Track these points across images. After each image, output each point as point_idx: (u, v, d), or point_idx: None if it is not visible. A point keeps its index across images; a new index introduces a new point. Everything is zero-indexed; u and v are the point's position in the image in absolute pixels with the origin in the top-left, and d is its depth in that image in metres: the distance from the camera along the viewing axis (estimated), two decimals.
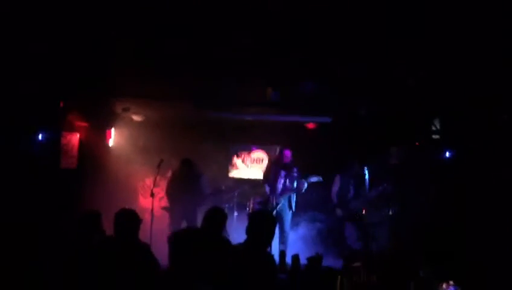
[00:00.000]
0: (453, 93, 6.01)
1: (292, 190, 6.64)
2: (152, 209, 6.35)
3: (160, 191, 7.28)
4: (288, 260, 5.47)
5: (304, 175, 6.60)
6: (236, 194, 7.63)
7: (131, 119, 8.31)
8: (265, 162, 8.76)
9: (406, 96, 6.27)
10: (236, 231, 6.20)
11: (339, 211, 7.09)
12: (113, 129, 8.19)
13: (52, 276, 3.84)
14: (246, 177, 8.94)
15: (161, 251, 3.77)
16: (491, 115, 6.01)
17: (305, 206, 7.19)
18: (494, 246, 5.25)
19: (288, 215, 6.70)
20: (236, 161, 9.20)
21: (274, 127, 8.36)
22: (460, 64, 5.33)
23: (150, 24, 4.82)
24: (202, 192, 6.87)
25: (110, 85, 6.46)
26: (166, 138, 8.21)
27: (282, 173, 6.71)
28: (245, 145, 9.24)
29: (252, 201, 7.32)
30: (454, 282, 3.63)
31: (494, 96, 5.73)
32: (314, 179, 6.56)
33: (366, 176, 7.01)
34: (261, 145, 9.20)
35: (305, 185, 6.51)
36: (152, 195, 6.37)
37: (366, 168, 7.03)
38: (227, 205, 7.36)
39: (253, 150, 9.25)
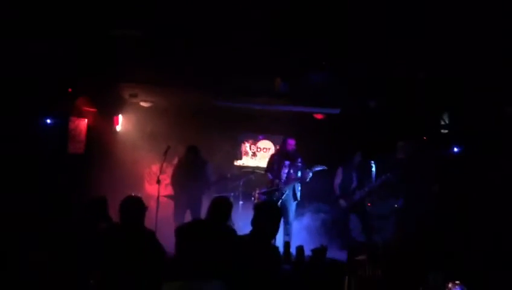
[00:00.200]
0: (462, 87, 5.95)
1: (296, 179, 6.62)
2: (158, 196, 6.36)
3: (166, 178, 7.24)
4: (293, 250, 5.47)
5: (308, 165, 6.58)
6: (241, 183, 7.63)
7: (139, 106, 8.29)
8: (272, 151, 8.75)
9: (416, 89, 6.21)
10: (242, 220, 6.24)
11: (342, 202, 7.10)
12: (120, 115, 8.22)
13: (59, 262, 3.88)
14: (252, 165, 8.95)
15: (166, 238, 3.80)
16: (500, 110, 5.95)
17: (310, 196, 7.18)
18: (501, 244, 5.22)
19: (292, 206, 6.69)
20: (245, 148, 9.23)
21: (281, 117, 8.33)
22: (471, 58, 5.26)
23: (160, 10, 4.78)
24: (207, 179, 6.86)
25: (119, 71, 6.46)
26: (173, 125, 8.22)
27: (286, 162, 6.68)
28: (252, 134, 9.24)
29: (257, 191, 7.32)
30: (460, 282, 3.61)
31: (503, 91, 5.67)
32: (318, 168, 6.53)
33: (373, 168, 7.00)
34: (268, 135, 9.20)
35: (310, 174, 6.46)
36: (158, 182, 6.36)
37: (372, 161, 7.02)
38: (232, 194, 7.35)
39: (259, 139, 9.25)
